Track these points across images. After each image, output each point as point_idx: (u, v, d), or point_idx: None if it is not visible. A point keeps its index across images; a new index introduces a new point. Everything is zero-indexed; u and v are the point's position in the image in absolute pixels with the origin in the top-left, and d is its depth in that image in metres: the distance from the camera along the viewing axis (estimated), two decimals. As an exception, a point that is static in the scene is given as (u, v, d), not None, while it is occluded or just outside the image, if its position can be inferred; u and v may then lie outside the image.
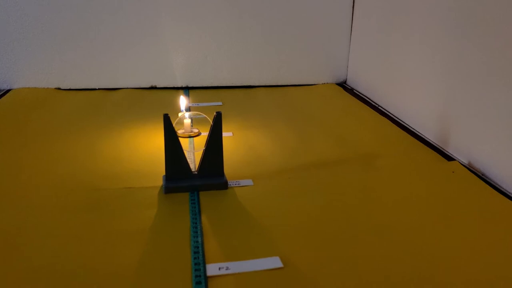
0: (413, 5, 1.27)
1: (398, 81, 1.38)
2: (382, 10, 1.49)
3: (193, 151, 1.02)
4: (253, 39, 1.68)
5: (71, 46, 1.58)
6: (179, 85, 1.68)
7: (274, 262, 0.66)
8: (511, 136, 0.90)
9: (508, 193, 0.89)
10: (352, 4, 1.70)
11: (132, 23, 1.59)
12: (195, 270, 0.63)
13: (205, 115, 0.92)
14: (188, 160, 0.89)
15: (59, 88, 1.61)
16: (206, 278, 0.62)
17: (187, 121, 1.06)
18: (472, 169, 0.99)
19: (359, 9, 1.68)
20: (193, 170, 0.91)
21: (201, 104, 1.47)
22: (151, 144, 1.10)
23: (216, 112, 0.87)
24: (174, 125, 0.85)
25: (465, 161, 1.03)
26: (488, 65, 0.96)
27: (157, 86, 1.67)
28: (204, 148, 0.88)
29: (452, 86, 1.09)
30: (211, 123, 0.87)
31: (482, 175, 0.97)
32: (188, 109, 1.17)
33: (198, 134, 1.09)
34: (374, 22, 1.56)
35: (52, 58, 1.58)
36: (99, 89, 1.63)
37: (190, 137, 1.08)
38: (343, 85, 1.78)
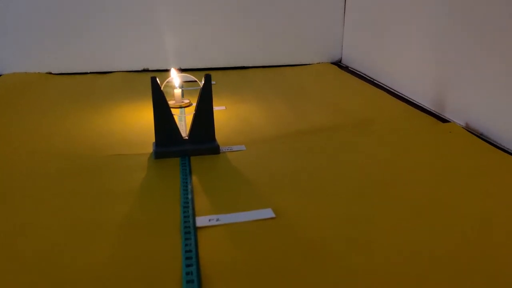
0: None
1: (393, 53, 1.36)
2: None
3: (184, 115, 0.99)
4: (246, 20, 1.66)
5: (62, 30, 1.56)
6: (172, 68, 1.65)
7: (266, 213, 0.63)
8: (508, 94, 0.88)
9: (507, 150, 0.87)
10: (344, -19, 1.68)
11: (124, 6, 1.56)
12: (184, 222, 0.61)
13: (194, 78, 0.90)
14: (180, 129, 0.86)
15: (50, 73, 1.59)
16: (196, 228, 0.60)
17: (178, 91, 1.04)
18: (469, 130, 0.97)
19: (352, -14, 1.66)
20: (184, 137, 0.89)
21: (194, 88, 1.45)
22: (142, 118, 1.08)
23: (206, 74, 0.85)
24: (162, 88, 0.83)
25: (462, 123, 1.01)
26: (481, 27, 0.94)
27: (150, 69, 1.64)
28: (194, 112, 0.86)
29: (447, 51, 1.06)
30: (200, 85, 0.85)
31: (481, 134, 0.94)
32: (182, 86, 1.15)
33: (189, 105, 1.07)
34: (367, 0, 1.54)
35: (42, 42, 1.56)
36: (91, 73, 1.60)
37: (181, 107, 1.06)
38: (338, 64, 1.75)
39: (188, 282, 0.48)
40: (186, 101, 1.08)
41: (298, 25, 1.70)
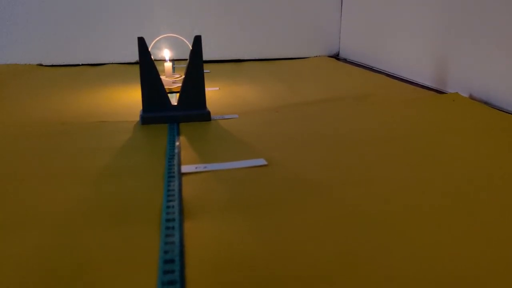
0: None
1: (391, 38, 1.32)
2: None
3: (172, 75, 0.93)
4: (242, 13, 1.63)
5: (53, 21, 1.52)
6: (166, 59, 1.61)
7: (258, 161, 0.59)
8: (508, 63, 0.84)
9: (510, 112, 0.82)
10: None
11: (115, -4, 1.54)
12: (169, 168, 0.56)
13: (183, 38, 0.85)
14: (171, 98, 0.82)
15: (41, 64, 1.55)
16: (180, 174, 0.55)
17: (168, 65, 1.00)
18: (473, 99, 0.92)
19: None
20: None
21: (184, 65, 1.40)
22: (131, 97, 1.04)
23: (196, 36, 0.81)
24: (150, 49, 0.79)
25: (466, 95, 0.96)
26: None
27: (143, 61, 1.60)
28: (183, 75, 0.81)
29: (445, 27, 1.03)
30: (190, 47, 0.81)
31: (485, 103, 0.90)
32: (173, 62, 1.11)
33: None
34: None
35: (33, 34, 1.52)
36: (82, 64, 1.57)
37: (172, 81, 1.01)
38: (336, 57, 1.72)
39: (168, 213, 0.43)
40: (177, 75, 1.03)
41: (296, 19, 1.67)
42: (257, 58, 1.67)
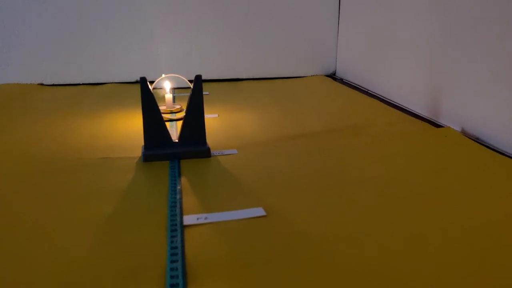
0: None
1: (387, 63, 1.35)
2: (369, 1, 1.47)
3: (174, 117, 0.97)
4: (241, 32, 1.65)
5: (54, 41, 1.54)
6: (166, 91, 1.64)
7: (257, 211, 0.61)
8: (502, 99, 0.86)
9: (502, 151, 0.85)
10: (338, -6, 1.68)
11: (118, 17, 1.56)
12: (171, 220, 0.58)
13: (183, 78, 0.88)
14: (170, 132, 0.85)
15: (42, 84, 1.57)
16: (182, 226, 0.57)
17: (169, 96, 1.02)
18: (465, 134, 0.95)
19: (345, 2, 1.66)
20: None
21: (186, 94, 1.43)
22: (133, 124, 1.06)
23: (196, 75, 0.83)
24: (152, 89, 0.81)
25: (458, 128, 0.99)
26: (473, 33, 0.93)
27: (143, 80, 1.63)
28: (184, 114, 0.84)
29: (440, 58, 1.05)
30: (191, 87, 0.83)
31: (476, 139, 0.93)
32: (173, 91, 1.13)
33: (181, 110, 1.05)
34: (360, 12, 1.54)
35: (35, 53, 1.54)
36: (83, 84, 1.59)
37: (172, 113, 1.04)
38: (332, 76, 1.75)
39: (172, 277, 0.46)
40: (178, 106, 1.06)
41: (293, 38, 1.70)
42: (255, 77, 1.70)
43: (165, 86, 1.13)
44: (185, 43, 1.63)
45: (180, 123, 1.00)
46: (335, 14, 1.70)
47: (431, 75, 1.10)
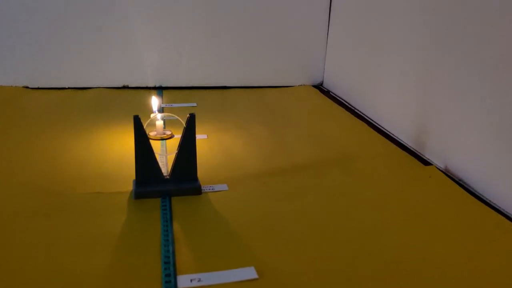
0: (389, 9, 1.26)
1: (374, 84, 1.37)
2: (358, 13, 1.48)
3: (166, 154, 0.98)
4: (229, 40, 1.65)
5: (40, 43, 1.52)
6: (153, 85, 1.63)
7: (248, 272, 0.63)
8: (486, 142, 0.89)
9: (483, 198, 0.88)
10: (329, 6, 1.68)
11: (104, 20, 1.54)
12: (166, 282, 0.60)
13: (177, 117, 0.89)
14: (160, 163, 0.85)
15: (27, 87, 1.54)
16: (177, 290, 0.59)
17: (159, 123, 1.02)
18: (449, 174, 0.98)
19: (336, 11, 1.66)
20: (165, 174, 0.87)
21: (175, 105, 1.43)
22: (122, 146, 1.06)
23: (190, 114, 0.84)
24: (145, 127, 0.82)
25: (441, 165, 1.02)
26: (463, 70, 0.95)
27: (130, 86, 1.62)
28: (176, 151, 0.84)
29: (428, 91, 1.08)
30: (184, 125, 0.84)
31: (459, 180, 0.96)
32: (161, 109, 1.13)
33: (171, 137, 1.05)
34: (350, 25, 1.55)
35: (20, 55, 1.52)
36: (69, 88, 1.57)
37: (162, 139, 1.04)
38: (319, 87, 1.76)
39: None
40: (168, 132, 1.06)
41: (281, 47, 1.70)
42: (243, 85, 1.70)
43: (152, 104, 1.12)
44: (172, 50, 1.62)
45: (170, 153, 1.00)
46: (324, 26, 1.70)
47: (418, 107, 1.12)
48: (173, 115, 0.91)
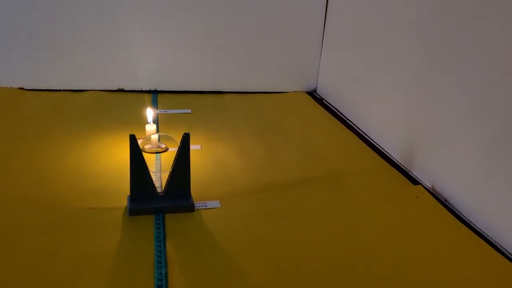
0: (384, 21, 1.28)
1: (366, 97, 1.39)
2: (355, 21, 1.49)
3: (160, 172, 1.00)
4: (224, 45, 1.66)
5: (35, 44, 1.52)
6: (148, 89, 1.64)
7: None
8: (473, 163, 0.92)
9: (468, 221, 0.91)
10: (324, 13, 1.70)
11: (101, 23, 1.54)
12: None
13: (172, 136, 0.91)
14: (154, 178, 0.87)
15: (22, 88, 1.55)
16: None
17: (154, 137, 1.05)
18: (435, 193, 1.01)
19: (331, 18, 1.68)
20: (158, 188, 0.89)
21: (169, 111, 1.45)
22: (117, 158, 1.08)
23: (184, 134, 0.86)
24: (140, 142, 0.84)
25: (429, 184, 1.05)
26: (454, 89, 0.97)
27: (125, 89, 1.63)
28: (171, 169, 0.86)
29: (418, 108, 1.10)
30: (179, 144, 0.86)
31: (445, 201, 0.99)
32: (156, 119, 1.15)
33: (166, 150, 1.07)
34: (345, 33, 1.57)
35: (16, 56, 1.52)
36: (64, 90, 1.58)
37: (157, 153, 1.06)
38: (313, 94, 1.78)
39: None
40: (163, 145, 1.08)
41: (276, 52, 1.71)
42: (237, 90, 1.71)
43: (147, 115, 1.14)
44: (168, 54, 1.63)
45: (164, 170, 1.02)
46: (319, 33, 1.72)
47: (408, 124, 1.15)
48: (168, 134, 0.93)
